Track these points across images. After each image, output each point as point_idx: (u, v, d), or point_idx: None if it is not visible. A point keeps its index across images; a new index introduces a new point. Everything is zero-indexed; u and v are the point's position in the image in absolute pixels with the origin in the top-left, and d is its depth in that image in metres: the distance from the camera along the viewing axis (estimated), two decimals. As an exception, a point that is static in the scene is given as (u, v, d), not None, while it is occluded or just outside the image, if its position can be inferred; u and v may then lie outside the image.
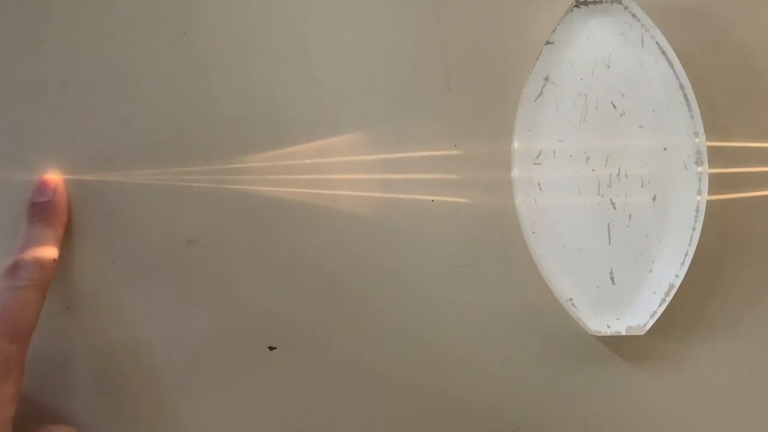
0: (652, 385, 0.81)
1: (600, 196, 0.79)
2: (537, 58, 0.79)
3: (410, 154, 0.82)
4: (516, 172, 0.79)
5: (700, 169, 0.78)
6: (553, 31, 0.79)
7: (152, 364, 0.82)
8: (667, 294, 0.78)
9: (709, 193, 0.78)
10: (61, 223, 0.81)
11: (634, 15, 0.78)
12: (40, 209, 0.80)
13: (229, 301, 0.82)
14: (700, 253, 0.78)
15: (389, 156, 0.82)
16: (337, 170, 0.82)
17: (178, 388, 0.82)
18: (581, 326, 0.79)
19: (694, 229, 0.77)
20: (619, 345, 0.81)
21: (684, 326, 0.81)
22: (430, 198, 0.82)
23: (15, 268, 0.76)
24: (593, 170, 0.79)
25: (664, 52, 0.78)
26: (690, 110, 0.78)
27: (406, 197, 0.82)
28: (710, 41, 0.81)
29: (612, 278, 0.79)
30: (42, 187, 0.81)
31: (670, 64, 0.78)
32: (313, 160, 0.82)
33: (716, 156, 0.80)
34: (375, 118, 0.82)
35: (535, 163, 0.79)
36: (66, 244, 0.82)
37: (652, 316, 0.78)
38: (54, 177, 0.81)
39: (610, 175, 0.79)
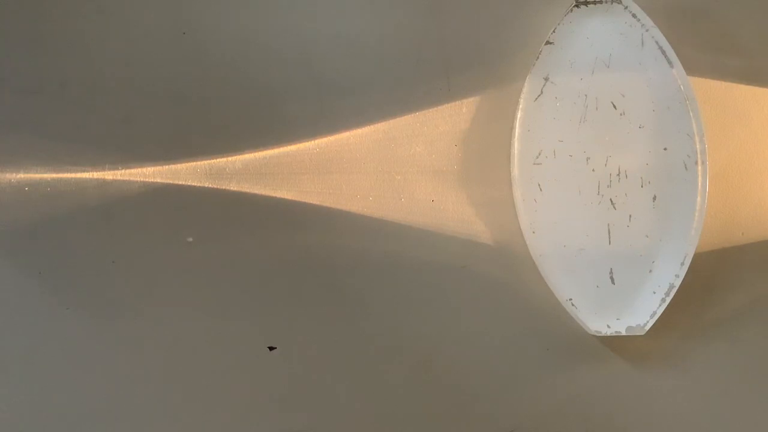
0: (652, 385, 0.81)
1: (600, 196, 0.79)
2: (537, 58, 0.79)
3: (410, 154, 0.82)
4: (516, 172, 0.79)
5: (700, 169, 0.78)
6: (553, 31, 0.79)
7: (152, 364, 0.82)
8: (667, 294, 0.78)
9: (709, 193, 0.78)
10: None
11: (634, 15, 0.78)
12: None
13: (229, 301, 0.82)
14: (700, 253, 0.78)
15: (389, 156, 0.82)
16: (336, 170, 0.82)
17: (178, 387, 0.82)
18: (581, 326, 0.79)
19: (694, 229, 0.77)
20: (619, 345, 0.81)
21: (684, 326, 0.81)
22: (430, 198, 0.82)
23: None
24: (593, 170, 0.79)
25: (664, 52, 0.78)
26: (690, 110, 0.78)
27: (406, 197, 0.82)
28: (710, 41, 0.81)
29: (612, 278, 0.79)
30: None
31: (670, 64, 0.78)
32: (312, 159, 0.82)
33: (716, 156, 0.80)
34: (375, 118, 0.82)
35: (535, 163, 0.79)
36: (66, 243, 0.82)
37: (652, 316, 0.78)
38: None
39: (610, 175, 0.79)
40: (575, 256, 0.79)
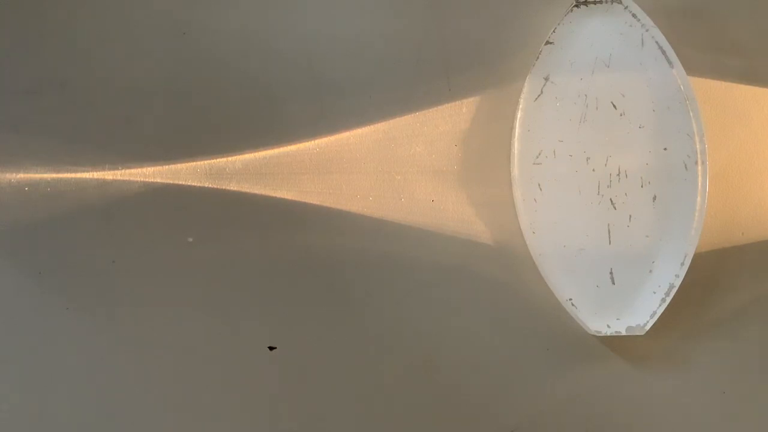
0: (652, 385, 0.81)
1: (600, 196, 0.79)
2: (537, 58, 0.79)
3: (410, 154, 0.82)
4: (516, 172, 0.79)
5: (700, 169, 0.78)
6: (553, 31, 0.79)
7: (152, 364, 0.82)
8: (667, 294, 0.78)
9: (709, 193, 0.78)
10: None
11: (634, 15, 0.78)
12: None
13: (229, 301, 0.82)
14: (700, 253, 0.78)
15: (389, 156, 0.82)
16: (336, 170, 0.82)
17: (178, 387, 0.82)
18: (581, 326, 0.79)
19: (694, 229, 0.77)
20: (619, 345, 0.81)
21: (684, 326, 0.81)
22: (430, 198, 0.82)
23: None
24: (593, 170, 0.79)
25: (664, 52, 0.78)
26: (690, 110, 0.78)
27: (406, 197, 0.82)
28: (710, 41, 0.81)
29: (612, 278, 0.79)
30: None
31: (670, 64, 0.78)
32: (312, 159, 0.82)
33: (716, 156, 0.80)
34: (375, 118, 0.82)
35: (535, 163, 0.79)
36: (66, 243, 0.82)
37: (652, 316, 0.78)
38: None
39: (610, 175, 0.79)
40: (575, 256, 0.79)
